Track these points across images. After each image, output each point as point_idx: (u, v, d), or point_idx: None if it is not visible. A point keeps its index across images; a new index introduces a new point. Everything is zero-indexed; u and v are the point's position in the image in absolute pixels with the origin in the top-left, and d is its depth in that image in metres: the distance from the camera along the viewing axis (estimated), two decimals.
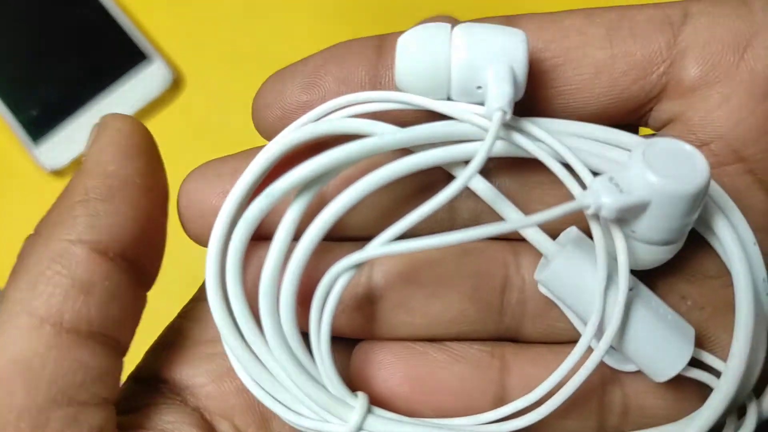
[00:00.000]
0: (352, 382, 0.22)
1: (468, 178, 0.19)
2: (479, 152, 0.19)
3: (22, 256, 0.20)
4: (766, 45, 0.21)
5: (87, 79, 0.48)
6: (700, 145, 0.21)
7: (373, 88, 0.21)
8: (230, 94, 0.47)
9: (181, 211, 0.22)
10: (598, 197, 0.19)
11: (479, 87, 0.20)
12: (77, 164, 0.44)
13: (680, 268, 0.22)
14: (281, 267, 0.20)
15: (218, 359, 0.22)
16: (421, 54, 0.20)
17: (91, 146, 0.21)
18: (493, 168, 0.22)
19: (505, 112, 0.19)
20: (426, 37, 0.20)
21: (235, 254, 0.20)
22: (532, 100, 0.21)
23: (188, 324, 0.23)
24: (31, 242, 0.21)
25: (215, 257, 0.20)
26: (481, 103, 0.20)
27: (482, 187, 0.21)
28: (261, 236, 0.21)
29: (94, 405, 0.20)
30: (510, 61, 0.20)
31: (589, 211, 0.19)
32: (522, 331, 0.23)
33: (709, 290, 0.22)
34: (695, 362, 0.21)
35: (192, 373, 0.23)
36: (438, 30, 0.20)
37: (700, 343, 0.22)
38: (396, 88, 0.21)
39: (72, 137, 0.47)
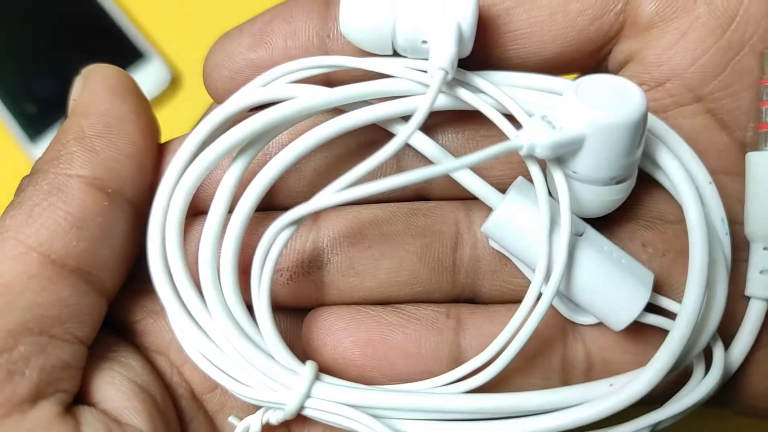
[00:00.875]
0: (304, 352, 0.22)
1: (409, 134, 0.18)
2: (419, 110, 0.18)
3: (19, 190, 0.20)
4: None
5: None
6: (656, 86, 0.21)
7: (321, 42, 0.21)
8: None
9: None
10: (531, 136, 0.18)
11: (424, 42, 0.19)
12: None
13: (639, 214, 0.21)
14: (220, 235, 0.20)
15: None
16: (365, 8, 0.19)
17: (81, 92, 0.21)
18: (438, 124, 0.22)
19: (446, 72, 0.19)
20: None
21: (173, 224, 0.20)
22: (484, 46, 0.21)
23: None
24: (27, 179, 0.21)
25: (157, 229, 0.20)
26: (426, 58, 0.20)
27: (427, 146, 0.21)
28: (203, 211, 0.21)
29: (65, 340, 0.19)
30: (457, 17, 0.19)
31: (523, 151, 0.19)
32: (478, 290, 0.22)
33: (671, 236, 0.21)
34: (655, 309, 0.20)
35: (130, 310, 0.22)
36: None
37: (663, 290, 0.21)
38: (345, 44, 0.21)
39: None
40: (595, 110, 0.18)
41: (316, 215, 0.22)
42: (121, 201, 0.21)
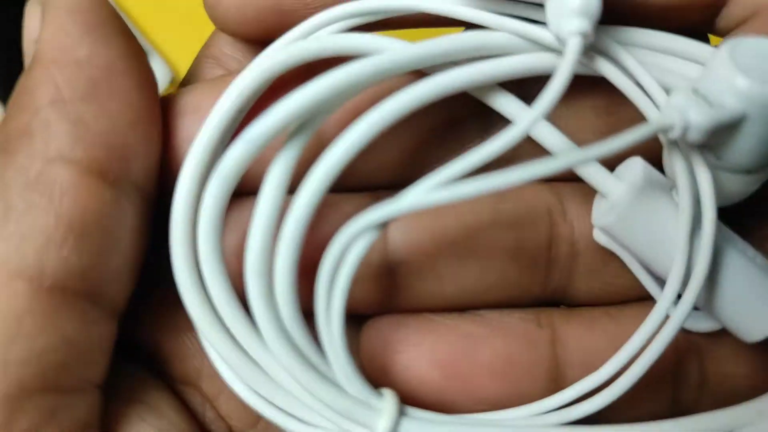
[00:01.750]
0: (365, 371, 0.17)
1: (535, 118, 0.14)
2: (549, 89, 0.14)
3: None
4: None
5: None
6: None
7: None
8: None
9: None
10: (684, 115, 0.15)
11: None
12: None
13: (753, 201, 0.18)
14: (273, 234, 0.15)
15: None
16: None
17: (44, 28, 0.15)
18: (531, 83, 0.17)
19: (585, 37, 0.14)
20: None
21: (209, 222, 0.15)
22: None
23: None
24: None
25: (184, 225, 0.15)
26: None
27: (546, 133, 0.17)
28: (243, 191, 0.16)
29: (78, 392, 0.15)
30: None
31: (673, 134, 0.15)
32: (571, 291, 0.18)
33: None
34: None
35: (146, 326, 0.17)
36: None
37: None
38: None
39: None
40: (760, 84, 0.14)
41: (377, 199, 0.17)
42: (128, 188, 0.15)
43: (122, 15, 0.44)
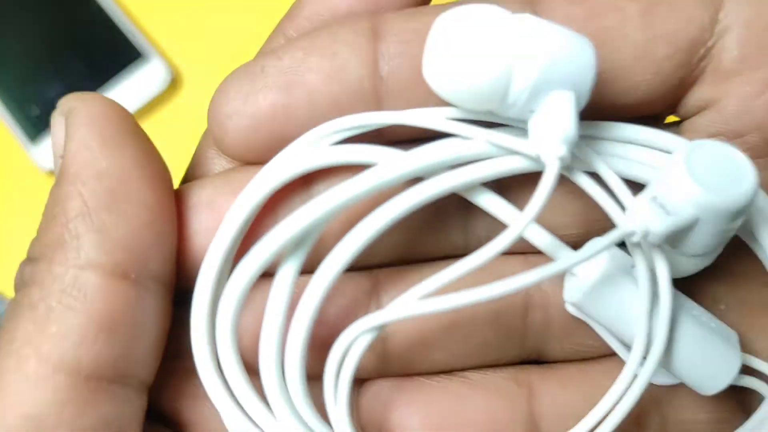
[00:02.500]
0: (363, 428, 0.20)
1: (523, 227, 0.16)
2: (534, 202, 0.16)
3: (22, 286, 0.17)
4: None
5: (85, 78, 0.47)
6: (734, 137, 0.19)
7: (373, 86, 0.18)
8: None
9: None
10: (644, 223, 0.17)
11: (532, 111, 0.17)
12: None
13: (711, 268, 0.20)
14: (285, 325, 0.18)
15: None
16: (476, 51, 0.16)
17: (68, 143, 0.17)
18: (511, 184, 0.19)
19: (563, 160, 0.16)
20: (484, 27, 0.16)
21: (225, 333, 0.17)
22: None
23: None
24: (29, 270, 0.17)
25: (203, 330, 0.17)
26: (523, 122, 0.17)
27: (538, 236, 0.19)
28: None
29: None
30: (576, 88, 0.16)
31: (635, 239, 0.17)
32: (546, 352, 0.21)
33: (744, 291, 0.20)
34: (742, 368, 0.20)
35: (168, 396, 0.20)
36: (500, 19, 0.16)
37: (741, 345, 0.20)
38: (403, 87, 0.18)
39: None
40: (711, 194, 0.17)
41: (375, 283, 0.20)
42: (149, 283, 0.17)
43: (122, 15, 0.47)
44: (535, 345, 0.20)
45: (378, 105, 0.18)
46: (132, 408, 0.17)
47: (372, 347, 0.19)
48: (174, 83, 0.47)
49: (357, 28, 0.18)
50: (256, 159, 0.18)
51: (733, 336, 0.19)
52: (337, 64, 0.17)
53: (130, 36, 0.47)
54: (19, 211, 0.45)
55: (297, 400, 0.18)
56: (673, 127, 0.20)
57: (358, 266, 0.20)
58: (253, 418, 0.18)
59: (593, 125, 0.19)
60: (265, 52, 0.19)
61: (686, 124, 0.20)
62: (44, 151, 0.45)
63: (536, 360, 0.21)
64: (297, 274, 0.18)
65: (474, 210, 0.19)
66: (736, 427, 0.20)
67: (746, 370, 0.20)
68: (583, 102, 0.17)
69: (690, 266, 0.19)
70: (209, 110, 0.19)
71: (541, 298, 0.20)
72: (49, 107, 0.43)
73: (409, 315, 0.16)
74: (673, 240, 0.18)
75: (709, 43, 0.18)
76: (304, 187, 0.18)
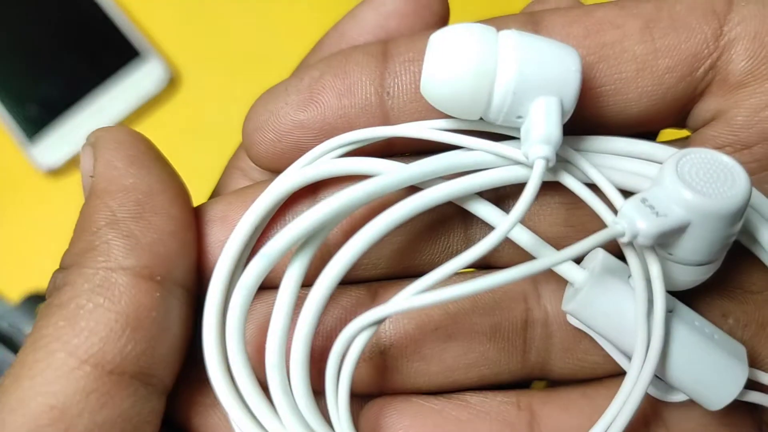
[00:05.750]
0: None
1: (508, 228, 0.17)
2: (519, 203, 0.17)
3: (55, 290, 0.18)
4: None
5: (83, 77, 0.47)
6: (742, 148, 0.19)
7: (380, 101, 0.19)
8: (227, 92, 0.47)
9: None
10: (633, 223, 0.17)
11: (520, 117, 0.18)
12: (73, 163, 0.46)
13: (719, 283, 0.20)
14: (288, 332, 0.18)
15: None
16: (460, 62, 0.17)
17: (96, 165, 0.19)
18: (511, 194, 0.20)
19: (548, 161, 0.17)
20: (468, 42, 0.17)
21: (235, 327, 0.18)
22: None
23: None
24: (62, 276, 0.18)
25: (214, 326, 0.18)
26: (516, 129, 0.18)
27: (523, 236, 0.20)
28: (264, 286, 0.19)
29: None
30: (560, 93, 0.17)
31: (624, 239, 0.17)
32: (549, 368, 0.21)
33: (753, 306, 0.20)
34: (749, 383, 0.19)
35: (184, 404, 0.20)
36: (483, 34, 0.17)
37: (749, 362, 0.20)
38: (407, 102, 0.19)
39: (68, 136, 0.46)
40: (700, 196, 0.17)
41: (374, 295, 0.20)
42: (173, 287, 0.18)
43: (121, 13, 0.48)
44: (537, 361, 0.21)
45: (385, 119, 0.19)
46: (151, 408, 0.18)
47: (370, 360, 0.20)
48: (172, 82, 0.47)
49: (368, 50, 0.19)
50: (280, 168, 0.20)
51: (740, 349, 0.19)
52: (347, 82, 0.19)
53: (128, 35, 0.47)
54: (17, 210, 0.45)
55: (302, 405, 0.18)
56: (684, 141, 0.21)
57: (359, 279, 0.20)
58: (262, 423, 0.18)
59: (589, 139, 0.19)
60: (292, 75, 0.21)
61: (695, 136, 0.20)
62: (42, 151, 0.46)
63: (541, 377, 0.21)
64: (301, 279, 0.19)
65: (474, 219, 0.20)
66: None
67: (757, 386, 0.19)
68: (570, 106, 0.18)
69: (692, 276, 0.19)
70: (243, 125, 0.20)
71: (541, 314, 0.20)
72: (47, 107, 0.46)
73: (405, 308, 0.17)
74: (667, 244, 0.18)
75: (714, 56, 0.19)
76: (311, 196, 0.20)
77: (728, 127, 0.19)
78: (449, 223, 0.20)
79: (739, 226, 0.18)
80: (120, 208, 0.18)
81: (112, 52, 0.47)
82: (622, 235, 0.17)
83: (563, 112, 0.17)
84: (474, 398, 0.20)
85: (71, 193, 0.47)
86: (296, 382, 0.18)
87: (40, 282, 0.42)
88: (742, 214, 0.17)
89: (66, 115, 0.46)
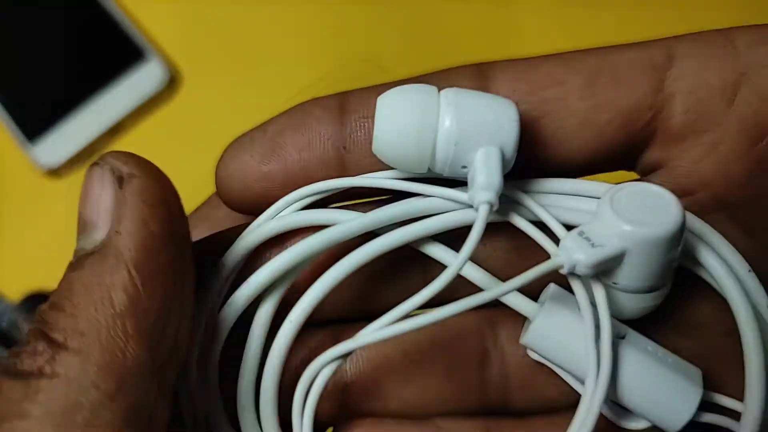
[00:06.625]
0: None
1: (459, 266, 0.18)
2: (467, 245, 0.18)
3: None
4: (755, 89, 0.20)
5: (83, 77, 0.47)
6: (684, 195, 0.20)
7: (337, 154, 0.21)
8: (227, 93, 0.47)
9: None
10: (571, 255, 0.18)
11: (464, 167, 0.19)
12: (73, 163, 0.46)
13: (668, 319, 0.21)
14: (257, 371, 0.20)
15: None
16: (404, 122, 0.19)
17: (125, 220, 0.17)
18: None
19: (492, 206, 0.19)
20: (410, 103, 0.19)
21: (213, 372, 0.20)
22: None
23: None
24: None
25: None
26: (464, 178, 0.20)
27: (472, 272, 0.21)
28: None
29: None
30: (501, 143, 0.19)
31: (564, 270, 0.18)
32: (510, 404, 0.22)
33: (703, 341, 0.21)
34: (708, 407, 0.20)
35: None
36: (424, 95, 0.19)
37: (706, 386, 0.21)
38: (362, 156, 0.20)
39: (68, 136, 0.47)
40: (633, 225, 0.18)
41: (338, 336, 0.21)
42: (171, 377, 0.18)
43: (121, 14, 0.48)
44: (497, 397, 0.21)
45: (343, 171, 0.21)
46: None
47: (332, 399, 0.21)
48: (172, 83, 0.47)
49: (325, 104, 0.21)
50: (251, 211, 0.21)
51: (695, 371, 0.20)
52: (306, 137, 0.21)
53: (128, 35, 0.47)
54: (18, 209, 0.45)
55: None
56: None
57: (324, 321, 0.22)
58: None
59: (537, 181, 0.21)
60: (257, 125, 0.22)
61: (643, 180, 0.21)
62: (42, 151, 0.46)
63: (502, 413, 0.22)
64: (268, 322, 0.20)
65: (432, 261, 0.21)
66: None
67: (715, 408, 0.20)
68: (511, 154, 0.19)
69: (639, 303, 0.20)
70: (216, 171, 0.21)
71: (498, 352, 0.21)
72: (47, 107, 0.46)
73: (371, 340, 0.18)
74: (610, 273, 0.19)
75: (655, 109, 0.20)
76: (279, 247, 0.21)
77: (671, 175, 0.21)
78: (408, 265, 0.22)
79: (677, 252, 0.19)
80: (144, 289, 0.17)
81: (112, 52, 0.47)
82: (562, 266, 0.18)
83: (504, 160, 0.19)
84: (444, 423, 0.21)
85: (71, 193, 0.44)
86: (265, 416, 0.19)
87: (40, 281, 0.43)
88: (677, 239, 0.18)
89: (66, 115, 0.47)
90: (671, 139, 0.21)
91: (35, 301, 0.44)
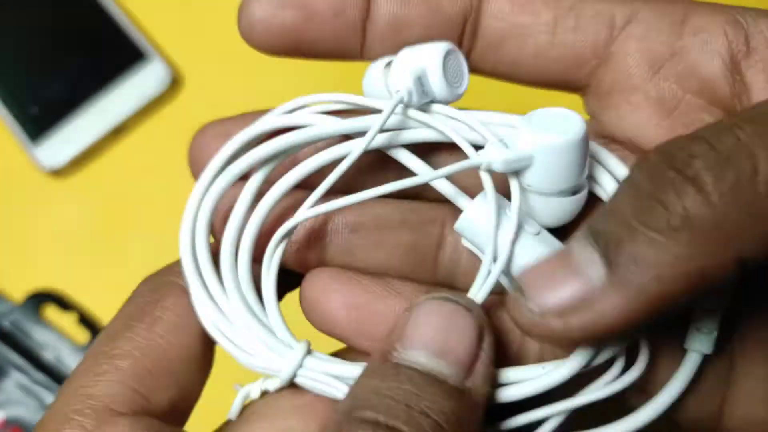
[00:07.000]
0: (303, 304, 0.25)
1: (362, 148, 0.23)
2: (372, 128, 0.23)
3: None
4: (676, 70, 0.23)
5: (86, 78, 0.48)
6: (609, 142, 0.25)
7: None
8: (229, 94, 0.47)
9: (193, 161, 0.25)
10: (488, 155, 0.23)
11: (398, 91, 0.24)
12: (75, 164, 0.48)
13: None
14: (240, 231, 0.25)
15: None
16: (373, 71, 0.25)
17: (159, 322, 0.24)
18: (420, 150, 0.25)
19: (402, 99, 0.23)
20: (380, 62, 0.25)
21: (203, 221, 0.25)
22: (482, 60, 0.25)
23: None
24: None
25: (189, 229, 0.25)
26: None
27: (410, 160, 0.25)
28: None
29: None
30: (424, 65, 0.24)
31: (482, 168, 0.23)
32: (455, 286, 0.25)
33: None
34: None
35: None
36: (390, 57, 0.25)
37: None
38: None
39: (71, 137, 0.47)
40: (540, 133, 0.22)
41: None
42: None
43: (123, 15, 0.50)
44: (445, 277, 0.26)
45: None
46: None
47: (311, 248, 0.25)
48: (175, 84, 0.48)
49: None
50: (277, 51, 0.25)
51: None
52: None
53: (130, 36, 0.48)
54: (21, 210, 0.45)
55: (243, 285, 0.24)
56: None
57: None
58: (212, 294, 0.24)
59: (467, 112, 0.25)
60: None
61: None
62: (45, 152, 0.46)
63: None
64: (260, 184, 0.25)
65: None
66: None
67: None
68: (436, 76, 0.24)
69: (550, 208, 0.23)
70: (239, 11, 0.24)
71: (453, 239, 0.25)
72: (50, 108, 0.48)
73: (303, 218, 0.24)
74: (523, 174, 0.23)
75: (595, 62, 0.24)
76: None
77: (600, 125, 0.25)
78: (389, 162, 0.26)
79: (581, 164, 0.23)
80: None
81: (114, 53, 0.48)
82: (480, 164, 0.23)
83: (427, 77, 0.24)
84: (395, 282, 0.24)
85: (74, 194, 0.48)
86: (242, 251, 0.25)
87: (42, 281, 0.45)
88: (578, 149, 0.22)
89: (69, 116, 0.48)
90: (601, 94, 0.25)
91: (38, 300, 0.45)
